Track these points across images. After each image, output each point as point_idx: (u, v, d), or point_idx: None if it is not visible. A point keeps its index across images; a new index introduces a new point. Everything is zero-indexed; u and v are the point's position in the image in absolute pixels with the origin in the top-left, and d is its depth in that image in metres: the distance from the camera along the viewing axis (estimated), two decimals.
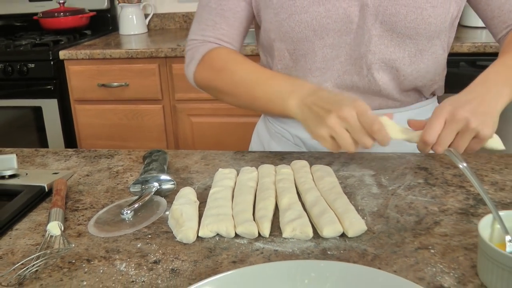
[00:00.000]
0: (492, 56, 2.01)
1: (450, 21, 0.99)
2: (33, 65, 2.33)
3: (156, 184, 0.87)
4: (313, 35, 0.96)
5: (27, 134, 2.47)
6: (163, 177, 0.88)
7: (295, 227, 0.72)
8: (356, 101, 0.80)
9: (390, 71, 1.00)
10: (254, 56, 1.69)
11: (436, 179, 0.88)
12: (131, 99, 2.36)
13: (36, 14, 2.72)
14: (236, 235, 0.74)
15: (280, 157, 1.00)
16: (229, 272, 0.60)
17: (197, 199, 0.84)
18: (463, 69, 2.06)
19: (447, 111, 0.79)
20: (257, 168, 0.92)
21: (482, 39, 2.10)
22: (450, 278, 0.62)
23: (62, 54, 2.34)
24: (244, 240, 0.73)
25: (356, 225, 0.72)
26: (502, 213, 0.65)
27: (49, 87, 2.35)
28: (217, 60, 1.01)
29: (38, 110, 2.40)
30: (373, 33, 0.96)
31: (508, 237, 0.63)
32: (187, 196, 0.83)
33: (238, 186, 0.86)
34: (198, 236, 0.74)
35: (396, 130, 0.82)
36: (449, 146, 0.79)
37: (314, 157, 0.99)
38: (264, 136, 1.16)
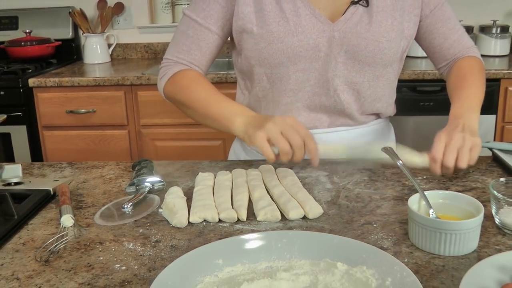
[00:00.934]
0: (430, 82, 2.29)
1: (401, 53, 1.21)
2: (2, 93, 2.43)
3: (148, 184, 1.04)
4: (288, 61, 1.15)
5: None
6: (154, 178, 1.05)
7: (267, 212, 0.90)
8: (290, 117, 1.01)
9: (353, 93, 1.20)
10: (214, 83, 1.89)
11: (378, 176, 1.09)
12: (98, 124, 2.50)
13: (2, 43, 2.83)
14: (220, 220, 0.92)
15: (249, 164, 1.19)
16: (220, 240, 0.78)
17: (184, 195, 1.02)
18: (405, 93, 2.33)
19: (444, 136, 1.01)
20: (231, 172, 1.11)
21: (422, 67, 2.38)
22: (388, 242, 0.82)
23: (31, 81, 2.46)
24: (226, 224, 0.91)
25: (315, 209, 0.91)
26: (426, 192, 0.86)
27: (18, 113, 2.46)
28: (184, 79, 1.20)
29: (7, 137, 2.49)
30: (338, 60, 1.16)
31: (431, 210, 0.84)
32: (176, 193, 1.00)
33: (217, 184, 1.04)
34: (189, 222, 0.92)
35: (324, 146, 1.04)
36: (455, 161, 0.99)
37: (277, 163, 1.18)
38: (240, 153, 1.35)
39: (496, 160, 1.15)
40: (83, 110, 2.47)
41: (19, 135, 2.49)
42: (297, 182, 1.03)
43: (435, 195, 0.86)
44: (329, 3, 1.16)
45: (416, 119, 2.36)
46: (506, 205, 0.83)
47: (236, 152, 1.37)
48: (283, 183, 1.03)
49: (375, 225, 0.88)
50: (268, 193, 1.01)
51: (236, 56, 1.28)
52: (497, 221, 0.86)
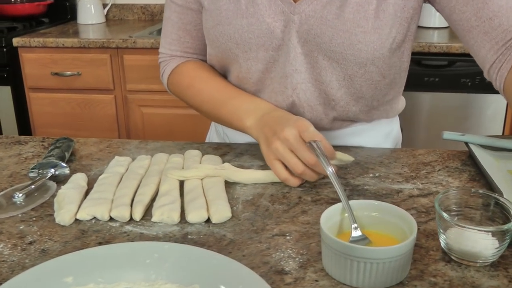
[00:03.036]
0: (436, 55, 2.06)
1: (393, 46, 0.90)
2: None
3: (52, 170, 0.90)
4: (236, 48, 0.94)
5: None
6: (59, 163, 0.91)
7: (163, 212, 0.75)
8: (299, 120, 0.85)
9: (319, 94, 0.96)
10: None
11: None
12: (83, 88, 2.38)
13: None
14: (111, 218, 0.77)
15: (180, 147, 1.04)
16: (76, 252, 0.63)
17: (88, 184, 0.87)
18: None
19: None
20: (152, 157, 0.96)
21: (428, 38, 2.15)
22: (294, 262, 0.66)
23: (16, 41, 2.34)
24: (117, 223, 0.76)
25: (220, 212, 0.75)
26: (353, 202, 0.69)
27: (1, 74, 2.36)
28: (185, 77, 1.05)
29: None
30: (298, 51, 0.92)
31: (354, 225, 0.67)
32: (76, 181, 0.86)
33: (127, 172, 0.89)
34: (77, 219, 0.78)
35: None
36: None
37: (212, 148, 1.02)
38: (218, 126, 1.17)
39: (472, 157, 0.96)
40: (68, 72, 2.35)
41: (3, 95, 2.40)
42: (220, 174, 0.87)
43: (365, 206, 0.69)
44: None
45: (420, 96, 2.14)
46: (455, 226, 0.65)
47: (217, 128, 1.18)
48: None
49: (288, 237, 0.72)
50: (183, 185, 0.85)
51: None
52: (442, 243, 0.68)
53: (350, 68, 0.91)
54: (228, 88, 1.01)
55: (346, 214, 0.68)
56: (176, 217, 0.75)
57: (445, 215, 0.65)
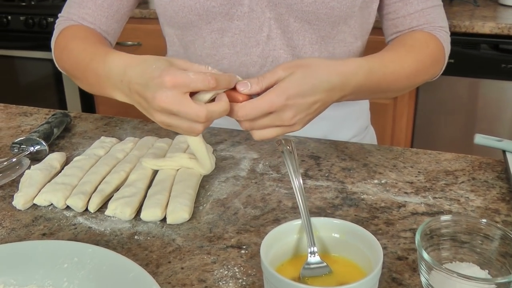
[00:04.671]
0: None
1: (362, 4, 0.85)
2: (52, 19, 2.37)
3: (31, 148, 0.85)
4: (199, 20, 0.85)
5: (47, 86, 2.55)
6: (39, 140, 0.86)
7: (117, 206, 0.68)
8: (163, 74, 0.61)
9: (292, 60, 0.82)
10: None
11: (320, 170, 0.79)
12: None
13: None
14: (68, 207, 0.71)
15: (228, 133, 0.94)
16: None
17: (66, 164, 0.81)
18: (484, 52, 1.87)
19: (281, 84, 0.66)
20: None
21: (508, 19, 1.88)
22: (235, 284, 0.56)
23: None
24: (71, 213, 0.70)
25: (177, 213, 0.66)
26: (316, 219, 0.57)
27: None
28: (63, 38, 0.88)
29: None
30: (267, 16, 0.84)
31: (311, 248, 0.55)
32: (50, 162, 0.80)
33: (105, 156, 0.82)
34: (34, 204, 0.72)
35: None
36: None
37: (210, 133, 0.93)
38: None
39: (507, 171, 0.78)
40: (129, 42, 2.34)
41: None
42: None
43: (329, 225, 0.57)
44: None
45: (496, 84, 1.88)
46: (440, 271, 0.51)
47: None
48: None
49: (244, 251, 0.61)
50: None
51: None
52: (423, 280, 0.55)
53: (322, 29, 0.85)
54: (93, 47, 0.81)
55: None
56: (128, 213, 0.67)
57: (426, 256, 0.51)
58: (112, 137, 0.91)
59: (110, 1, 0.90)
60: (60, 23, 0.92)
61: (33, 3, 2.44)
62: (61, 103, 2.55)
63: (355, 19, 0.87)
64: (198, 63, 0.72)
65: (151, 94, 0.62)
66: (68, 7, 0.92)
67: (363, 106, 1.03)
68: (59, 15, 0.94)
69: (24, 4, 2.45)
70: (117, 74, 0.69)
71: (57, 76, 2.50)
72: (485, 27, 1.82)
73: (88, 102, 2.53)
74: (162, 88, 0.61)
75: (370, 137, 1.05)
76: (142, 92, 0.64)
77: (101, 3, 0.89)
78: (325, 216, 0.67)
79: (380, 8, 0.90)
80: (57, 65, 0.92)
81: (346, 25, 0.86)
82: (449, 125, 2.00)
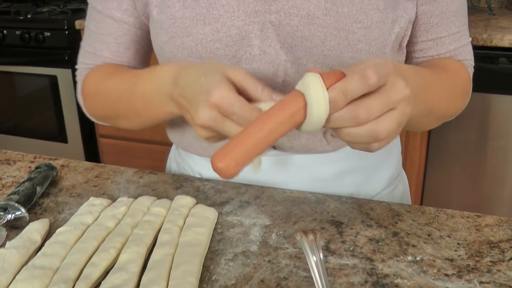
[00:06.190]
0: None
1: (394, 44, 0.74)
2: (48, 34, 2.27)
3: (8, 216, 0.74)
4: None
5: (44, 102, 2.45)
6: (18, 207, 0.75)
7: None
8: (211, 89, 0.57)
9: None
10: None
11: (343, 243, 0.68)
12: None
13: None
14: None
15: (178, 184, 0.84)
16: None
17: (49, 235, 0.70)
18: (502, 66, 1.74)
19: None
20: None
21: None
22: None
23: (78, 23, 2.26)
24: None
25: None
26: None
27: (63, 56, 2.29)
28: (91, 83, 0.85)
29: (53, 79, 2.36)
30: (282, 58, 0.73)
31: None
32: (29, 235, 0.69)
33: (93, 226, 0.71)
34: None
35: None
36: None
37: (215, 190, 0.82)
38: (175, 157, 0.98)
39: None
40: None
41: (65, 78, 2.34)
42: (202, 242, 0.66)
43: None
44: None
45: None
46: None
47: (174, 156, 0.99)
48: (181, 239, 0.67)
49: None
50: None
51: None
52: None
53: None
54: (130, 73, 0.79)
55: None
56: None
57: None
58: (103, 194, 0.81)
59: (125, 44, 0.83)
60: (80, 74, 0.88)
61: (29, 16, 2.34)
62: (59, 119, 2.45)
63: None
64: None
65: (194, 108, 0.60)
66: (83, 58, 0.86)
67: (396, 150, 0.91)
68: (76, 67, 0.89)
69: (21, 18, 2.35)
70: (166, 81, 0.67)
71: (55, 91, 2.40)
72: (504, 40, 1.70)
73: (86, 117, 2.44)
74: (205, 105, 0.58)
75: (403, 186, 0.93)
76: (186, 104, 0.62)
77: (116, 49, 0.82)
78: None
79: (406, 45, 0.79)
80: (91, 117, 0.90)
81: None
82: (461, 142, 1.88)
